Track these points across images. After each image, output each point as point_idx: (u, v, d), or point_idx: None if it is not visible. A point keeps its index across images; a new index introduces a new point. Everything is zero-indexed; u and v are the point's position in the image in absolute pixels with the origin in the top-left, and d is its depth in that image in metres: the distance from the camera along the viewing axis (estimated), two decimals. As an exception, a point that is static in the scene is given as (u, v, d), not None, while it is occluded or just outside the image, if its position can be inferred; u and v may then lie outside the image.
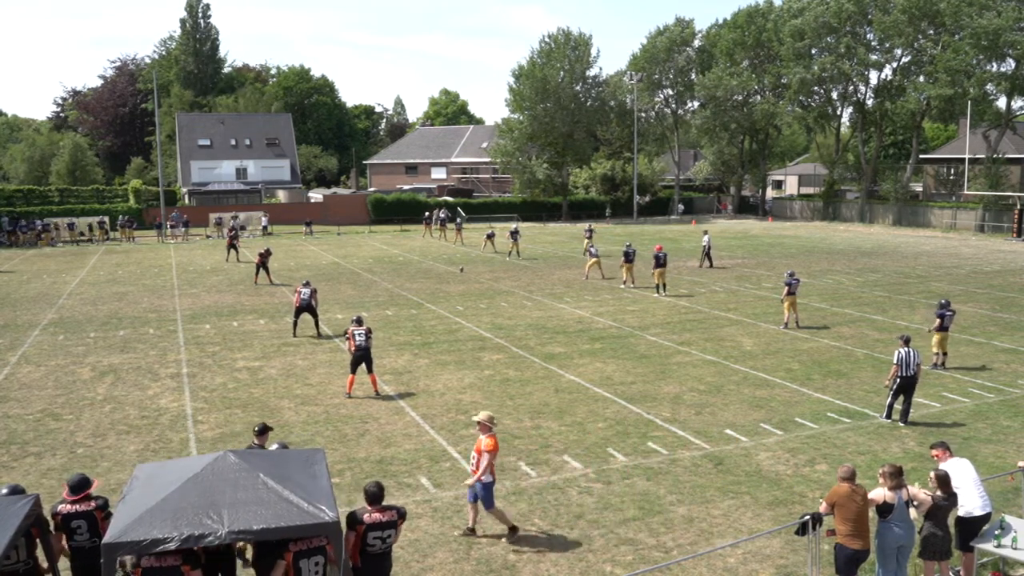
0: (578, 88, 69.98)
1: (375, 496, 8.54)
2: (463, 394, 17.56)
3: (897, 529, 8.97)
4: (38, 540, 8.46)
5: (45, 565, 8.62)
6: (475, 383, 18.42)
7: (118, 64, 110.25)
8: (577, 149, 70.81)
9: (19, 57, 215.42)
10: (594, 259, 34.95)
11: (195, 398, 17.47)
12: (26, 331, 24.81)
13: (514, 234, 43.28)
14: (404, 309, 27.75)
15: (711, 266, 38.49)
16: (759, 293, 30.54)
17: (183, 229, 57.36)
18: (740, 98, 72.47)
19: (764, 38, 70.85)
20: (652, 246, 38.62)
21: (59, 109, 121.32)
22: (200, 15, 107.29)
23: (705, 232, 40.85)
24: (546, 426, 15.44)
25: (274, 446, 10.06)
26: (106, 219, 57.81)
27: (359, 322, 17.83)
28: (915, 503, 9.16)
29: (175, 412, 16.53)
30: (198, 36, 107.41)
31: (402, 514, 8.65)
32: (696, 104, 77.81)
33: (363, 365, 17.38)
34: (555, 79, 67.93)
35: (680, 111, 79.29)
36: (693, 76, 75.09)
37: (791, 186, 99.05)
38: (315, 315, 23.90)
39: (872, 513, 9.11)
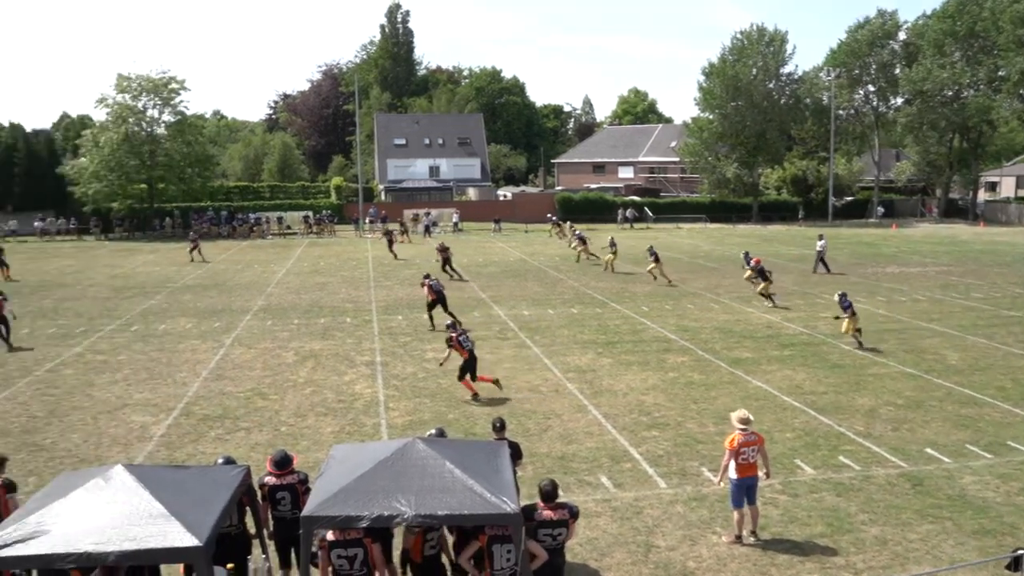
0: (771, 85, 67.68)
1: (549, 494, 8.58)
2: (646, 395, 17.42)
3: None
4: (247, 508, 9.17)
5: (253, 531, 9.33)
6: (658, 384, 18.22)
7: (324, 69, 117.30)
8: (769, 148, 68.49)
9: (237, 65, 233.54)
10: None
11: (387, 385, 18.31)
12: (239, 316, 26.87)
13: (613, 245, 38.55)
14: (589, 308, 27.84)
15: (828, 272, 36.03)
16: (967, 304, 28.37)
17: (381, 224, 60.01)
18: (950, 93, 67.42)
19: (979, 28, 65.46)
20: (846, 249, 36.81)
21: (272, 112, 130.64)
22: (399, 20, 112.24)
23: (820, 236, 38.07)
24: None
25: (432, 432, 10.21)
26: (310, 214, 61.70)
27: (454, 327, 18.09)
28: None
29: (368, 398, 17.40)
30: (396, 41, 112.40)
31: (574, 513, 8.67)
32: (900, 100, 73.13)
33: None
34: (747, 76, 65.99)
35: (882, 108, 74.79)
36: (897, 71, 70.63)
37: (1007, 188, 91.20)
38: (445, 305, 24.54)
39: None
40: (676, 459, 13.75)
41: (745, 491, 10.76)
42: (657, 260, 33.50)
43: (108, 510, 7.38)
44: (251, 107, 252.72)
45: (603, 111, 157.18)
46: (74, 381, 19.02)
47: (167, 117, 62.35)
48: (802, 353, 21.11)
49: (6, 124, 67.58)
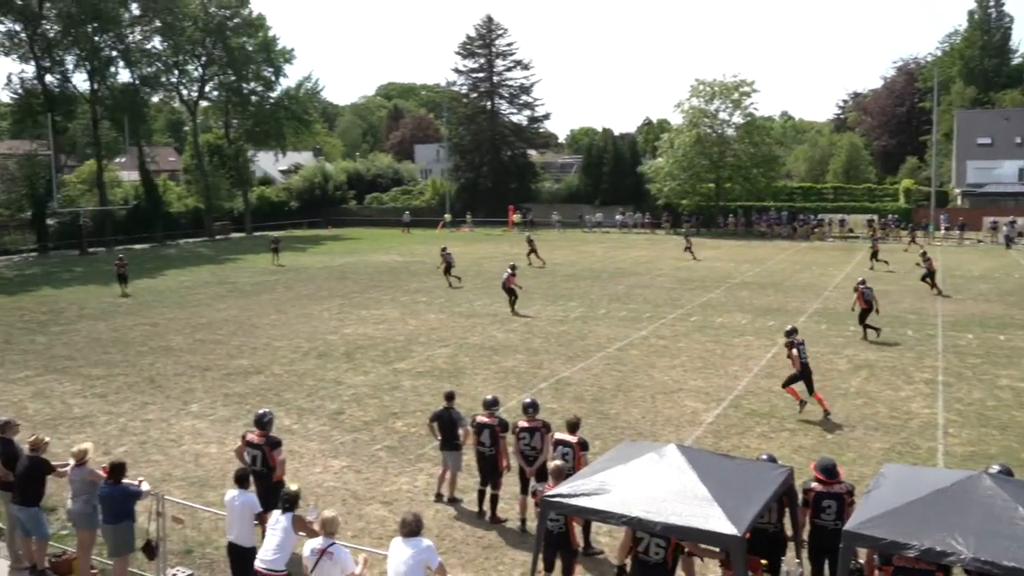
0: None
1: None
2: None
3: None
4: (786, 508, 9.16)
5: (789, 533, 9.28)
6: None
7: (899, 65, 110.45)
8: None
9: (806, 65, 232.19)
10: None
11: (948, 409, 16.72)
12: (794, 317, 26.78)
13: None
14: None
15: None
16: None
17: (958, 232, 55.20)
18: None
19: None
20: None
21: (840, 111, 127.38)
22: (991, 4, 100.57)
23: None
24: None
25: (995, 468, 8.80)
26: (875, 217, 59.00)
27: (794, 333, 16.47)
28: None
29: (925, 419, 16.10)
30: (987, 28, 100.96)
31: None
32: None
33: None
34: None
35: None
36: None
37: None
38: (866, 315, 23.60)
39: None
40: None
41: None
42: None
43: (659, 483, 8.04)
44: (819, 107, 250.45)
45: None
46: (638, 361, 20.94)
47: (736, 119, 65.28)
48: None
49: (599, 129, 76.99)
